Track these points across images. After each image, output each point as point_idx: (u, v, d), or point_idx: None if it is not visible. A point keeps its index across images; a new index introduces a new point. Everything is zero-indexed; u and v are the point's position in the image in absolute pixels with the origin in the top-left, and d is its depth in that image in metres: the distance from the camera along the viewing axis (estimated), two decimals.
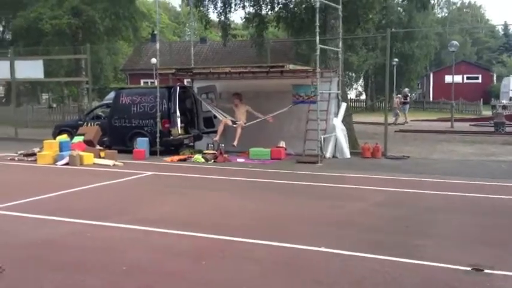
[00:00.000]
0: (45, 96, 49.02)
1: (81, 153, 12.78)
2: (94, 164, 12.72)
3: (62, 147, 13.06)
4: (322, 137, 13.06)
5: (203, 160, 13.25)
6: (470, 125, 26.64)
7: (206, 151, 13.90)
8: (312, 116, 13.69)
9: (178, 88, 14.26)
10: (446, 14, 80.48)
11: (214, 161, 13.25)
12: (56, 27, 20.44)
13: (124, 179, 10.55)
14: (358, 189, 9.58)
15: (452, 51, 28.07)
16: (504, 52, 76.03)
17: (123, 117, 14.81)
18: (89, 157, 12.73)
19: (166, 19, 71.65)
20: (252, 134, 14.45)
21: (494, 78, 61.04)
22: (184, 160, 13.43)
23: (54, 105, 31.71)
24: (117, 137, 14.84)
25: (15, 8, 24.18)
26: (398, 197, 9.02)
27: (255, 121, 14.15)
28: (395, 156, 14.03)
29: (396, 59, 37.01)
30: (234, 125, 14.14)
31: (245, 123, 14.23)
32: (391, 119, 26.84)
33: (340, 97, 14.50)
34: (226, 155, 13.77)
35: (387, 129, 14.71)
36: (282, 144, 14.35)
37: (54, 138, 14.72)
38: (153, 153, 14.20)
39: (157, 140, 14.12)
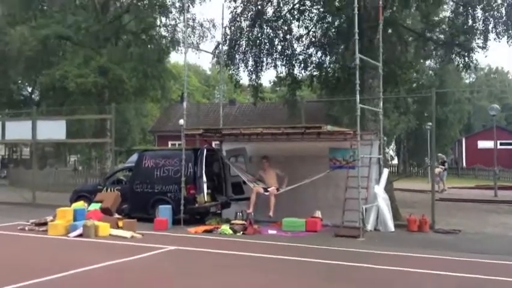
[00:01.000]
0: (73, 158, 48.81)
1: (97, 223, 11.61)
2: (110, 235, 11.51)
3: (76, 215, 11.95)
4: (364, 207, 11.64)
5: (231, 232, 11.91)
6: None
7: (234, 221, 12.59)
8: (352, 183, 12.35)
9: (205, 150, 13.17)
10: (474, 80, 79.34)
11: (243, 233, 11.90)
12: (82, 86, 19.90)
13: (139, 256, 9.25)
14: (414, 274, 8.06)
15: (493, 115, 26.70)
16: None
17: (145, 181, 13.72)
18: (104, 228, 11.54)
19: (196, 82, 72.31)
20: (285, 202, 13.14)
21: None
22: (210, 231, 12.11)
23: (80, 168, 30.98)
24: (138, 204, 13.69)
25: (44, 67, 23.97)
26: (470, 285, 7.47)
27: (288, 188, 12.87)
28: (445, 230, 12.44)
29: (430, 123, 35.69)
30: (266, 193, 12.87)
31: (278, 190, 12.95)
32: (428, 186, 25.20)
33: (381, 162, 13.17)
34: (256, 226, 12.43)
35: (434, 198, 13.18)
36: (318, 214, 12.95)
37: (71, 204, 13.67)
38: (176, 221, 12.95)
39: (182, 207, 12.91)
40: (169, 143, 37.21)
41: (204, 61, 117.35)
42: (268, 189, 13.01)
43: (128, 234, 11.35)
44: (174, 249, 9.96)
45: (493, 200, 21.44)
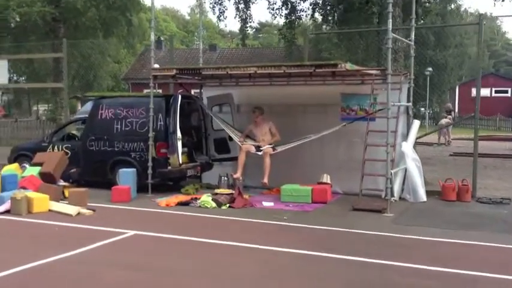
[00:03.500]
0: (43, 108, 44.80)
1: (32, 194, 8.55)
2: (50, 211, 8.47)
3: (4, 184, 8.87)
4: (392, 171, 8.71)
5: (213, 205, 8.94)
6: None
7: (218, 190, 9.59)
8: (372, 140, 9.40)
9: (179, 98, 10.01)
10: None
11: (229, 206, 8.95)
12: (26, 17, 16.17)
13: (77, 251, 6.23)
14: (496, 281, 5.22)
15: None
16: None
17: (102, 137, 10.56)
18: (41, 201, 8.48)
19: (174, 27, 67.98)
20: (283, 164, 10.17)
21: None
22: (186, 204, 9.11)
23: (44, 118, 27.39)
24: (92, 167, 10.60)
25: None
26: None
27: (287, 145, 9.87)
28: (491, 199, 9.63)
29: (430, 69, 32.67)
30: (259, 153, 9.86)
31: (274, 149, 9.94)
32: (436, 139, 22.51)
33: (410, 112, 10.18)
34: (246, 196, 9.48)
35: (476, 157, 10.27)
36: (326, 179, 10.02)
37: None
38: (143, 188, 9.96)
39: (149, 171, 9.89)
40: (145, 91, 33.81)
41: (183, 5, 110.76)
42: (261, 147, 9.99)
43: (72, 210, 8.31)
44: (133, 236, 6.97)
45: None
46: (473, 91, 49.70)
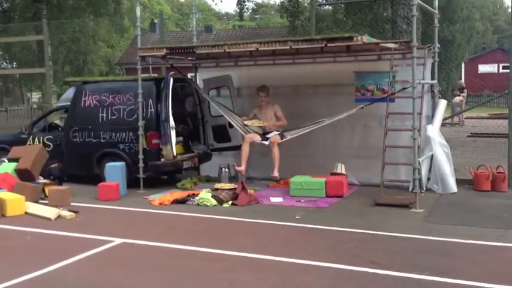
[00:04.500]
0: (37, 96, 43.31)
1: (6, 195, 7.40)
2: (26, 213, 7.34)
3: None
4: (420, 160, 7.54)
5: (214, 202, 7.78)
6: None
7: (219, 185, 8.41)
8: (393, 124, 8.24)
9: (171, 81, 8.80)
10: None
11: (232, 203, 7.80)
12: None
13: (53, 267, 5.10)
14: None
15: None
16: None
17: (87, 128, 9.38)
18: (17, 203, 7.33)
19: (169, 10, 66.30)
20: (291, 153, 9.01)
21: None
22: (182, 202, 7.95)
23: (35, 106, 26.10)
24: (77, 160, 9.43)
25: None
26: None
27: (297, 133, 8.71)
28: None
29: (438, 45, 31.31)
30: (265, 142, 8.69)
31: (282, 136, 8.77)
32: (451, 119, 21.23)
33: (436, 90, 8.98)
34: (251, 191, 8.33)
35: None
36: (341, 169, 8.87)
37: None
38: (134, 183, 8.83)
39: (140, 165, 8.74)
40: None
41: None
42: (268, 135, 8.82)
43: (51, 213, 7.15)
44: (120, 246, 5.82)
45: None
46: (480, 67, 48.63)
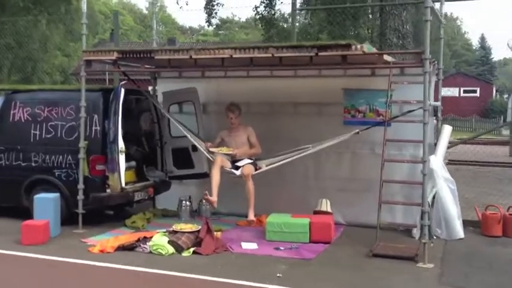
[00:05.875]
0: None
1: None
2: None
3: None
4: (428, 200, 6.09)
5: (171, 250, 6.11)
6: None
7: (178, 226, 6.69)
8: (388, 152, 6.84)
9: (122, 92, 7.12)
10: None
11: (194, 251, 6.15)
12: None
13: None
14: None
15: None
16: (481, 66, 71.57)
17: (15, 148, 7.58)
18: None
19: (131, 21, 64.32)
20: (265, 183, 7.45)
21: (494, 92, 55.25)
22: (131, 249, 6.24)
23: None
24: (1, 189, 7.61)
25: None
26: None
27: (275, 163, 7.18)
28: None
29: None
30: (236, 172, 7.08)
31: (257, 166, 7.20)
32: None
33: (440, 114, 7.62)
34: (218, 234, 6.70)
35: None
36: (326, 205, 7.38)
37: None
38: (72, 219, 7.09)
39: (80, 197, 7.00)
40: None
41: None
42: (239, 163, 7.22)
43: None
44: None
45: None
46: (442, 91, 48.71)
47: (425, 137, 5.96)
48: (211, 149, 7.27)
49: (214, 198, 6.93)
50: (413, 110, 6.44)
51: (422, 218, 5.87)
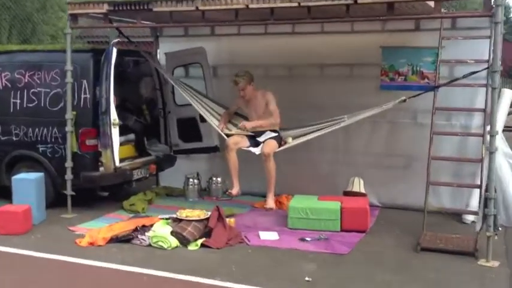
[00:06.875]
0: None
1: None
2: None
3: None
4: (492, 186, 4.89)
5: (174, 244, 5.02)
6: None
7: (183, 212, 5.56)
8: (439, 123, 5.65)
9: (115, 52, 5.93)
10: None
11: (202, 244, 5.06)
12: None
13: None
14: None
15: None
16: None
17: None
18: None
19: None
20: (287, 159, 6.33)
21: None
22: (126, 240, 5.16)
23: None
24: None
25: None
26: None
27: (303, 138, 6.03)
28: None
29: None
30: (256, 151, 5.96)
31: (281, 141, 6.08)
32: None
33: (497, 78, 6.36)
34: (231, 220, 5.58)
35: None
36: (358, 185, 6.25)
37: None
38: (60, 200, 6.05)
39: (68, 176, 5.93)
40: None
41: None
42: (260, 137, 6.08)
43: None
44: None
45: None
46: None
47: (494, 104, 4.73)
48: (225, 131, 6.19)
49: (236, 188, 5.97)
50: (478, 72, 5.19)
51: (487, 205, 4.68)
